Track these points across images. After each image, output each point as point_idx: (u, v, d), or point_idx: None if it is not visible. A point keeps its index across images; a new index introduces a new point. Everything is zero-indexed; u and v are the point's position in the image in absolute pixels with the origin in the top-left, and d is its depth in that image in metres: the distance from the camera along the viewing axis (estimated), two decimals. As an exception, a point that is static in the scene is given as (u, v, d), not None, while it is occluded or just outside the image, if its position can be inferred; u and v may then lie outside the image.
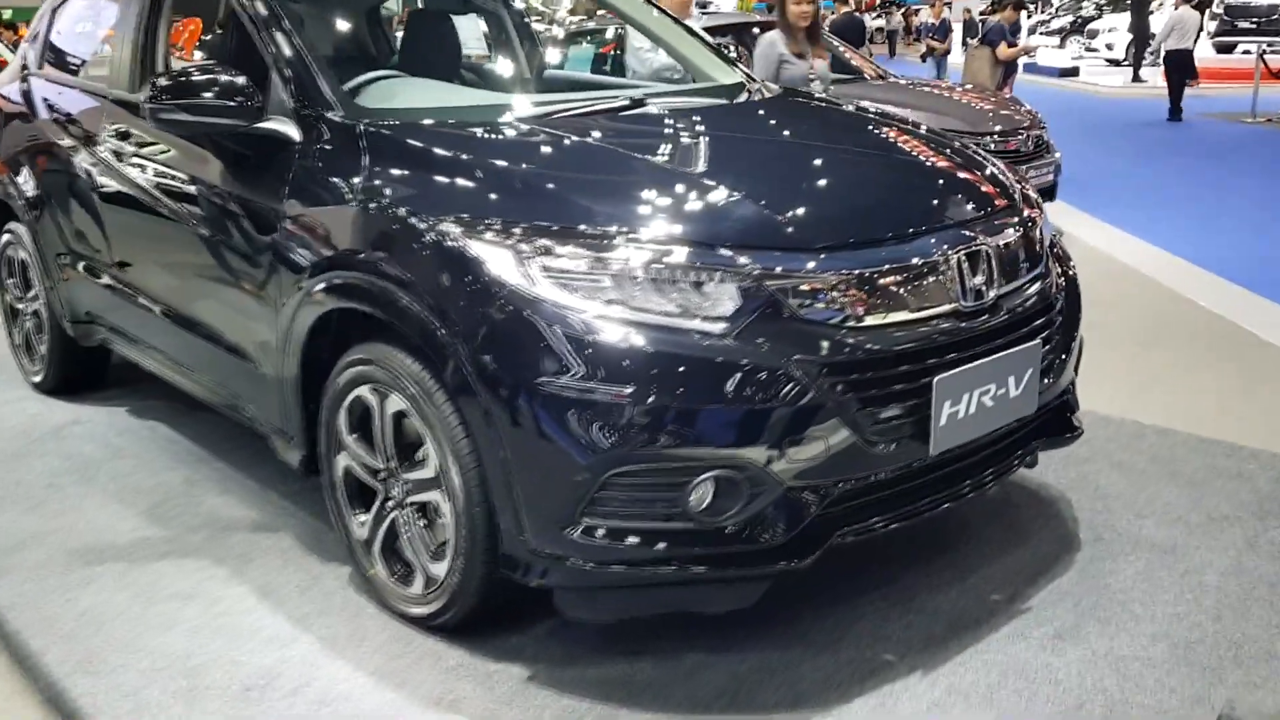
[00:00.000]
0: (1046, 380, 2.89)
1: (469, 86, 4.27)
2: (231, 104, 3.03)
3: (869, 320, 2.51)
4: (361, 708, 2.57)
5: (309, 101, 3.07)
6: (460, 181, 2.75)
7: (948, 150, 3.24)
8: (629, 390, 2.35)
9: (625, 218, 2.55)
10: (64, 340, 4.52)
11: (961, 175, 3.09)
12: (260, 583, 3.13)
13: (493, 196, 2.67)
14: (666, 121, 3.27)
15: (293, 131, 3.05)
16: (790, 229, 2.57)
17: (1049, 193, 7.88)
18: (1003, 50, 10.52)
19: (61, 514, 3.62)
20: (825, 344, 2.46)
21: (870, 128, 3.48)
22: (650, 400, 2.35)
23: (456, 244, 2.53)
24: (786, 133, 3.40)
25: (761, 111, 3.58)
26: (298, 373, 3.01)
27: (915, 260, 2.60)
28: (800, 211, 2.67)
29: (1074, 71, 24.60)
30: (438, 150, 2.86)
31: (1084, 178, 10.16)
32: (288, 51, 3.17)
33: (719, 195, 2.68)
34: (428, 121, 3.08)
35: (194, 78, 3.05)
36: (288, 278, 2.97)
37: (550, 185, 2.72)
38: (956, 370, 2.59)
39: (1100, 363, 4.82)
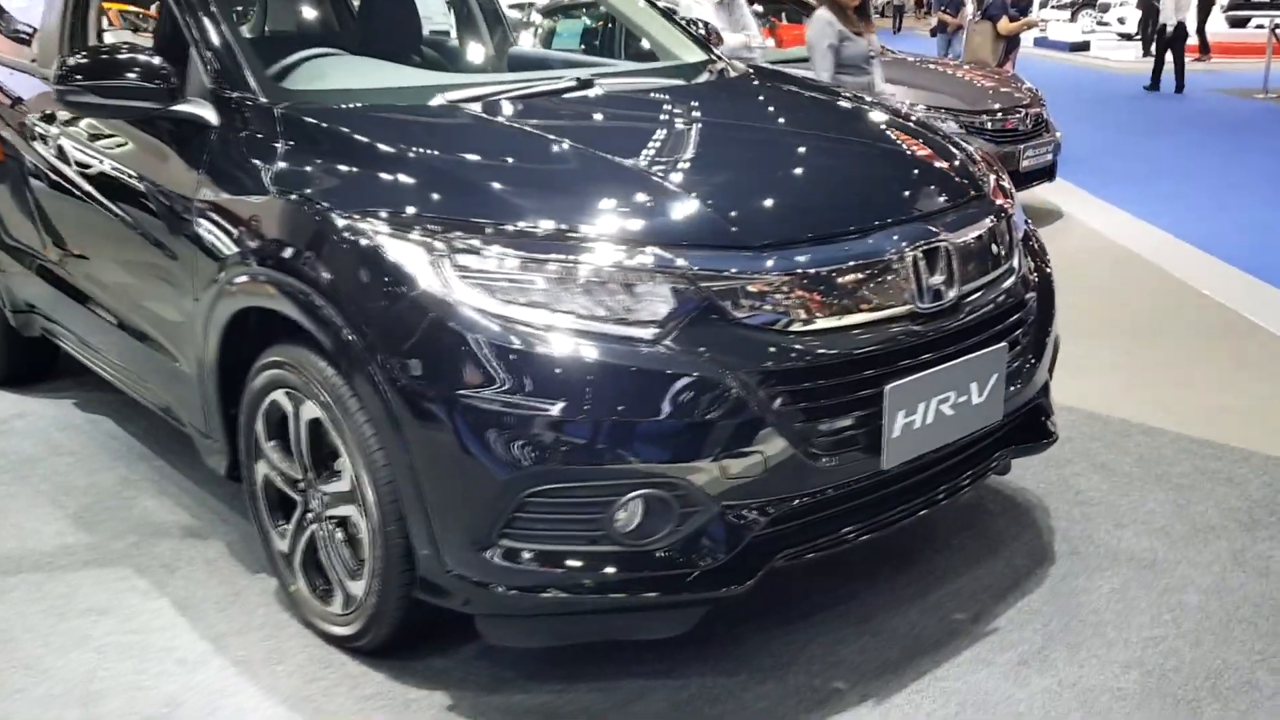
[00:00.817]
0: (1015, 386, 2.68)
1: (423, 64, 4.06)
2: (143, 85, 2.82)
3: (814, 324, 2.30)
4: (264, 743, 2.39)
5: (227, 82, 2.86)
6: (374, 170, 2.54)
7: (915, 138, 3.02)
8: (546, 402, 2.15)
9: (549, 212, 2.34)
10: (8, 330, 4.33)
11: (926, 165, 2.87)
12: (181, 596, 2.95)
13: (407, 188, 2.45)
14: (609, 105, 3.05)
15: (209, 114, 2.85)
16: (730, 226, 2.36)
17: (1048, 172, 7.63)
18: (1004, 25, 10.22)
19: (-16, 518, 3.45)
20: (764, 351, 2.25)
21: (834, 113, 3.25)
22: (569, 413, 2.15)
23: (366, 240, 2.33)
24: (739, 118, 3.16)
25: (716, 94, 3.35)
26: (216, 372, 2.82)
27: (866, 259, 2.39)
28: (741, 206, 2.45)
29: (1085, 46, 24.19)
30: (354, 135, 2.64)
31: (1089, 155, 9.90)
32: (207, 28, 2.95)
33: (654, 188, 2.47)
34: (350, 104, 2.86)
35: (104, 57, 2.84)
36: (203, 270, 2.77)
37: (470, 176, 2.50)
38: (912, 377, 2.38)
39: (1090, 354, 4.62)
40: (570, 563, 2.24)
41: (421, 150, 2.60)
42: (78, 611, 2.90)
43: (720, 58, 3.74)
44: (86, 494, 3.58)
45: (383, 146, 2.59)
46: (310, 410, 2.52)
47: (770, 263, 2.29)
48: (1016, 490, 3.41)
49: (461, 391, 2.18)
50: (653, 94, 3.22)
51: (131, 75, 2.81)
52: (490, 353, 2.17)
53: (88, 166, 3.36)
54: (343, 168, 2.56)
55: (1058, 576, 2.93)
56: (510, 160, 2.63)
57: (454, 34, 4.64)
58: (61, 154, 3.51)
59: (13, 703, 2.53)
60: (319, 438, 2.56)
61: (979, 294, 2.60)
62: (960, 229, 2.60)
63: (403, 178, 2.50)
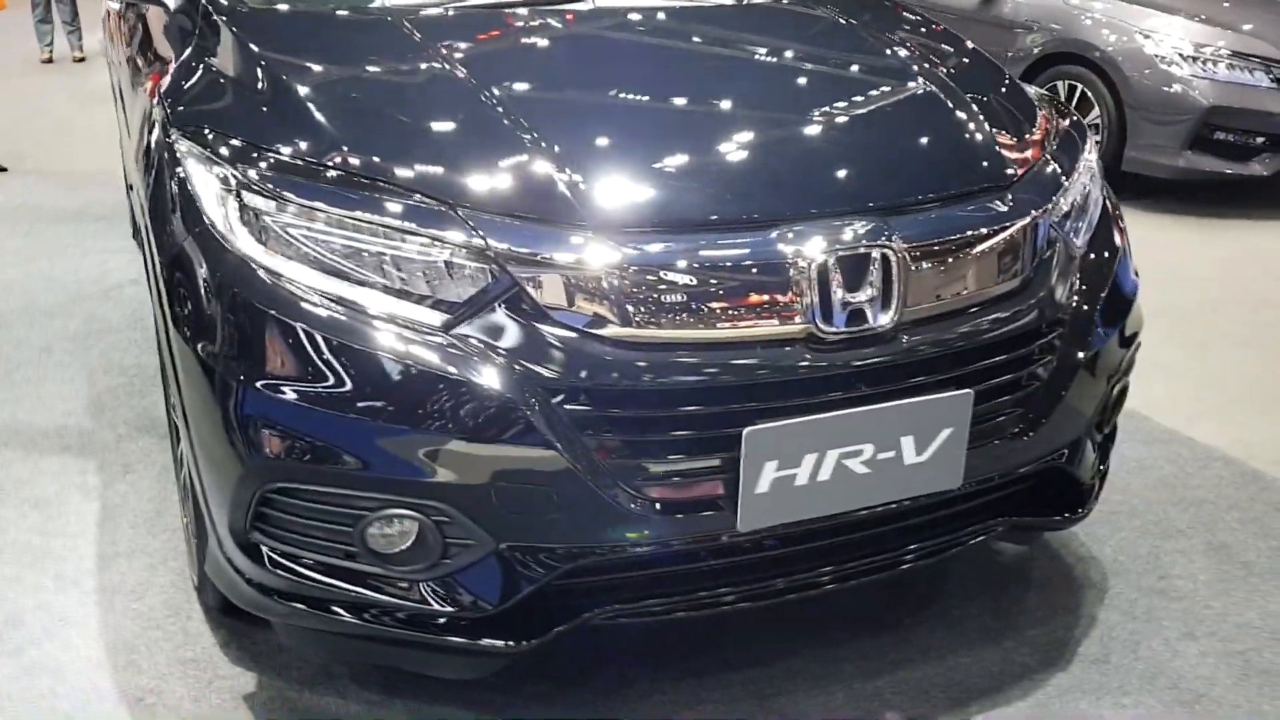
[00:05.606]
0: (995, 441, 2.01)
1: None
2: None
3: (649, 334, 1.77)
4: (58, 688, 2.23)
5: (191, -35, 2.62)
6: (229, 82, 2.20)
7: (948, 97, 2.27)
8: (288, 383, 1.78)
9: (361, 151, 1.91)
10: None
11: (924, 139, 2.19)
12: (115, 501, 2.86)
13: (245, 106, 2.09)
14: (572, 24, 2.50)
15: (169, -1, 2.63)
16: (574, 197, 1.83)
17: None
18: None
19: (22, 384, 3.53)
20: (577, 360, 1.76)
21: (859, 61, 2.48)
22: (313, 402, 1.77)
23: (179, 159, 2.02)
24: (710, 57, 2.45)
25: (727, 22, 2.64)
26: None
27: (746, 260, 1.81)
28: (604, 175, 1.90)
29: None
30: (237, 39, 2.29)
31: None
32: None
33: (503, 137, 1.95)
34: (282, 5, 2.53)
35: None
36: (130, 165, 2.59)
37: (315, 99, 2.07)
38: (791, 420, 1.80)
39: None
40: (324, 577, 1.88)
41: (290, 61, 2.20)
42: (18, 500, 2.88)
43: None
44: (124, 374, 3.60)
45: (252, 56, 2.23)
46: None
47: (606, 249, 1.78)
48: (1081, 558, 2.68)
49: (214, 349, 1.85)
50: (650, 14, 2.61)
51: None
52: (244, 311, 1.82)
53: (127, 42, 3.27)
54: (208, 73, 2.25)
55: (1056, 690, 2.24)
56: (371, 85, 2.21)
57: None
58: (126, 29, 3.45)
59: (-118, 588, 2.52)
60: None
61: (941, 320, 1.94)
62: (934, 231, 1.93)
63: (248, 93, 2.14)
